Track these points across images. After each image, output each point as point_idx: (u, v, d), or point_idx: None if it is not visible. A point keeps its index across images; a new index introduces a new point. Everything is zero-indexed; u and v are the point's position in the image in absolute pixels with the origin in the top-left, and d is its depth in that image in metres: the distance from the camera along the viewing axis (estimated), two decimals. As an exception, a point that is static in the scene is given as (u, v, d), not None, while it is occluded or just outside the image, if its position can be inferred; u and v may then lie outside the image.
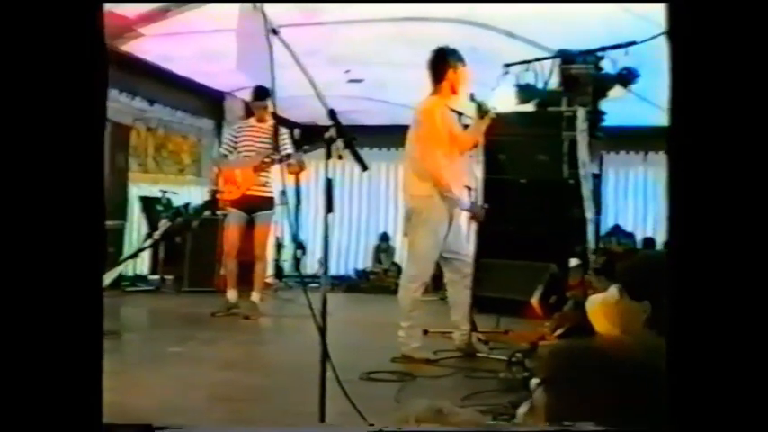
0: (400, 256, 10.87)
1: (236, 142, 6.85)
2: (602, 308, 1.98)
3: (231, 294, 6.83)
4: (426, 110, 5.02)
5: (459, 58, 5.03)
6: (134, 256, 7.96)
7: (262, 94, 6.68)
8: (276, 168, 6.58)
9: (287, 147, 6.72)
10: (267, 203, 6.90)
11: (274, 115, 6.79)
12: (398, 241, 10.99)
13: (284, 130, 6.83)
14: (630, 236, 10.34)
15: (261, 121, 6.84)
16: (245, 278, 6.93)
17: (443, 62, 5.01)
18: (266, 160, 6.62)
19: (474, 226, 5.46)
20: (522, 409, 1.11)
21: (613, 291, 1.99)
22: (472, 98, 5.12)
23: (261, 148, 6.72)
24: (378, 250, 11.51)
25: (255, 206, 6.79)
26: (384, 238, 11.54)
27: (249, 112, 7.43)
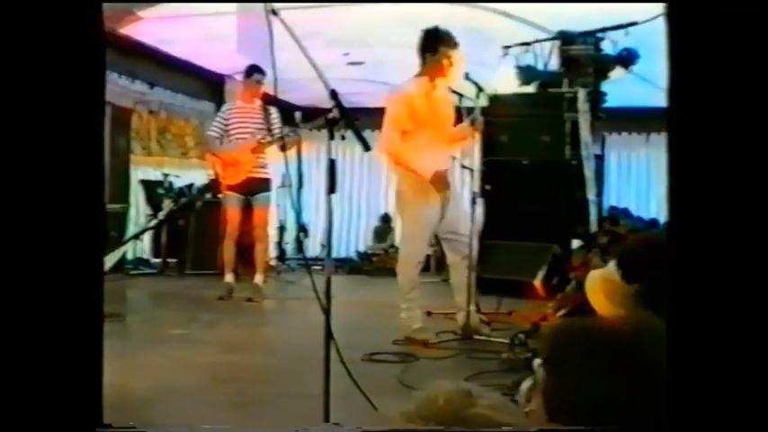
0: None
1: (226, 125, 6.78)
2: (602, 284, 1.97)
3: (229, 278, 6.81)
4: (391, 97, 5.02)
5: (448, 41, 4.91)
6: (138, 236, 7.97)
7: (254, 71, 6.61)
8: (273, 149, 6.53)
9: (278, 126, 6.68)
10: (265, 185, 6.87)
11: (264, 95, 6.74)
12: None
13: (273, 109, 6.76)
14: (632, 216, 10.32)
15: (248, 101, 6.79)
16: (247, 261, 6.94)
17: (431, 44, 4.93)
18: (263, 141, 6.60)
19: (478, 206, 5.39)
20: (525, 385, 1.12)
21: (613, 267, 1.97)
22: (467, 77, 5.05)
23: (256, 129, 6.68)
24: (377, 231, 11.46)
25: (254, 188, 6.75)
26: (384, 219, 11.48)
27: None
